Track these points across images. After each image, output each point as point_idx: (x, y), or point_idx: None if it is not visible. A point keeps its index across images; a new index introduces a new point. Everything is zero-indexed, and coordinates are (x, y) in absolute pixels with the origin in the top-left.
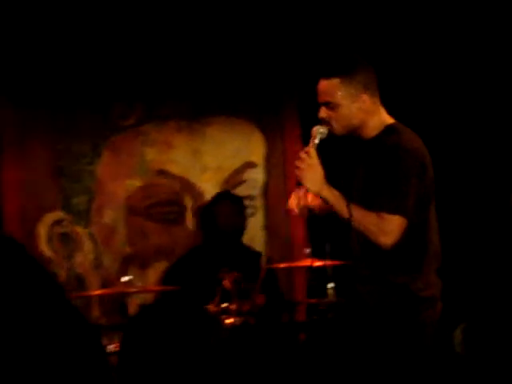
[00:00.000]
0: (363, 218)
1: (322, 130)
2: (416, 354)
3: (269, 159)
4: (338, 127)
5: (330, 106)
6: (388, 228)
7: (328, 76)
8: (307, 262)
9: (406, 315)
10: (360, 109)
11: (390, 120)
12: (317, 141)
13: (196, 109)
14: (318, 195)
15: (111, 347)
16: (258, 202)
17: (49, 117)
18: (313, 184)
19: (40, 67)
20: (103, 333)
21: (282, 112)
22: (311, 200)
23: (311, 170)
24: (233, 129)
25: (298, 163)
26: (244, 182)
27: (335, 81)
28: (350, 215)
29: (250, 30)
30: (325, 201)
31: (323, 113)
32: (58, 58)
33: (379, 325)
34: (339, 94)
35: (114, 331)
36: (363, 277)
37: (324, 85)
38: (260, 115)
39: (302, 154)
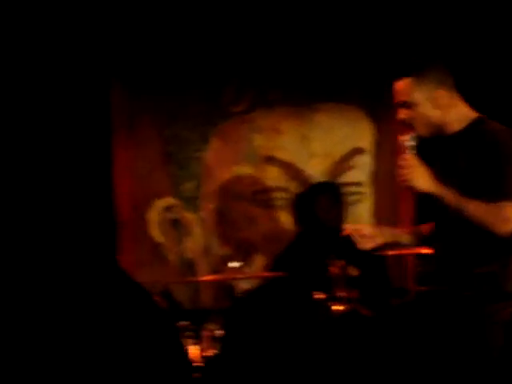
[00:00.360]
0: (478, 209)
1: (410, 137)
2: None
3: (378, 146)
4: (420, 128)
5: (407, 105)
6: (506, 216)
7: (401, 76)
8: (416, 249)
9: (490, 308)
10: (437, 105)
11: (473, 113)
12: (410, 148)
13: (304, 95)
14: (429, 193)
15: (219, 333)
16: (367, 189)
17: (160, 103)
18: (423, 183)
19: (153, 54)
20: (211, 318)
21: (392, 99)
22: (371, 242)
23: (418, 170)
24: (341, 115)
25: (400, 171)
26: (352, 168)
27: (409, 80)
28: (465, 208)
29: (360, 16)
30: (438, 198)
31: (402, 114)
32: (171, 44)
33: (461, 318)
34: (414, 92)
35: (221, 316)
36: (449, 269)
37: (398, 85)
38: (369, 102)
39: (402, 161)
